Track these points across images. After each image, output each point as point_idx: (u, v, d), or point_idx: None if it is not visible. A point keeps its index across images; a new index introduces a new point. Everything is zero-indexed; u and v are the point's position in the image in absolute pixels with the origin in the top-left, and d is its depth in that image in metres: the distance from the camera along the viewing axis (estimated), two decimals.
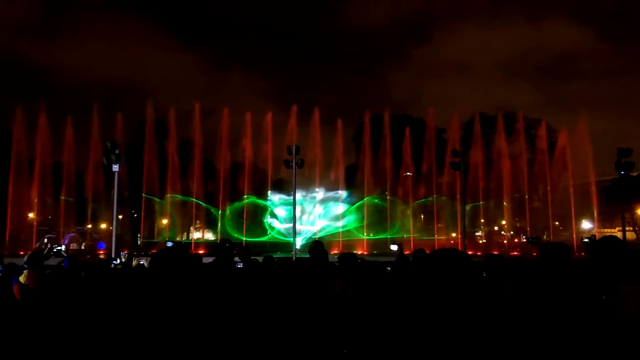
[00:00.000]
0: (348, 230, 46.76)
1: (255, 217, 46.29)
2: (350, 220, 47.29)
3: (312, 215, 46.85)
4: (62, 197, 42.71)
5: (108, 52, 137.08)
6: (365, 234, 46.52)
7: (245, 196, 45.68)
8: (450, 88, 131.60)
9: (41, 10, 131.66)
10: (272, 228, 46.50)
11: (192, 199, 45.35)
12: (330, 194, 47.35)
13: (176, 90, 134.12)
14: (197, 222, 50.60)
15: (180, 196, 44.71)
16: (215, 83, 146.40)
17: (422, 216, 48.07)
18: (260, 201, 46.46)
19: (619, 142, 52.04)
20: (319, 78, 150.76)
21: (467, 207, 37.29)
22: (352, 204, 47.42)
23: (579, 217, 44.22)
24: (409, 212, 45.34)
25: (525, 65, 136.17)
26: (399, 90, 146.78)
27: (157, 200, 44.11)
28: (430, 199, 46.05)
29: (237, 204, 45.84)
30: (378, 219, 46.48)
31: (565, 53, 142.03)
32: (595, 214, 42.92)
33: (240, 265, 7.45)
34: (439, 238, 45.51)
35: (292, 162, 32.98)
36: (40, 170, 42.66)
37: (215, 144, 47.90)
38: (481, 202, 45.81)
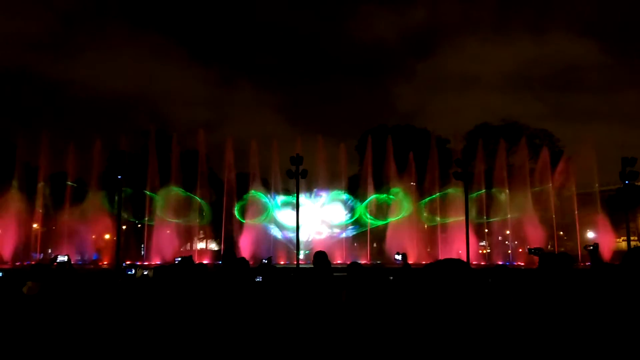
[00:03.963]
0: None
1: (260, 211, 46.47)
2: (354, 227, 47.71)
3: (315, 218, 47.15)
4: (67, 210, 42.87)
5: (117, 65, 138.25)
6: (368, 220, 46.78)
7: (251, 191, 46.10)
8: (455, 100, 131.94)
9: (55, 25, 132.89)
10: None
11: (198, 198, 45.48)
12: (334, 193, 47.63)
13: (183, 102, 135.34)
14: (201, 232, 50.66)
15: (182, 190, 44.74)
16: (222, 95, 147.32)
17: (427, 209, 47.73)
18: (263, 196, 46.54)
19: (623, 152, 51.94)
20: (325, 90, 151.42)
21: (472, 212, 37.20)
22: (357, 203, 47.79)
23: (583, 226, 44.05)
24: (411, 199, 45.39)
25: (529, 78, 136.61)
26: (404, 102, 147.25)
27: (159, 199, 44.09)
28: (435, 196, 46.05)
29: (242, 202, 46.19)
30: (381, 209, 46.78)
31: (569, 65, 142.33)
32: (599, 223, 42.69)
33: (259, 279, 7.55)
34: (442, 222, 45.40)
35: (295, 172, 33.21)
36: (44, 180, 42.94)
37: (221, 155, 48.51)
38: (485, 218, 45.78)
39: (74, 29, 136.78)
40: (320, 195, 47.44)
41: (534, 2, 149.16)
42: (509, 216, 44.43)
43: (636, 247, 4.10)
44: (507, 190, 44.78)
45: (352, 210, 47.88)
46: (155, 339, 4.44)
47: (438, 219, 45.81)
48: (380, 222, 46.67)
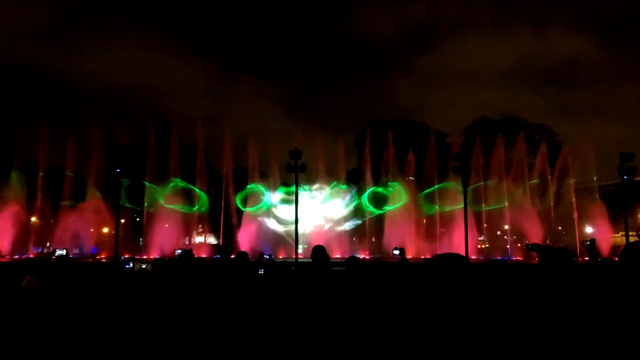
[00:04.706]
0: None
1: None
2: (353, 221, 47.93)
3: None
4: (66, 203, 42.88)
5: (118, 58, 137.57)
6: (367, 209, 47.15)
7: (249, 185, 46.33)
8: (454, 95, 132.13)
9: (56, 19, 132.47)
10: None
11: (194, 187, 45.57)
12: (333, 185, 47.86)
13: (183, 96, 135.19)
14: (200, 226, 50.69)
15: (181, 182, 44.84)
16: (223, 89, 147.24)
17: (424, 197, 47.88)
18: (263, 188, 46.73)
19: (622, 147, 51.99)
20: (325, 84, 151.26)
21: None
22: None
23: (582, 221, 44.15)
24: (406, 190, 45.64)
25: (529, 73, 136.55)
26: (404, 96, 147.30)
27: (158, 189, 44.08)
28: (433, 188, 46.15)
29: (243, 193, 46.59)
30: (379, 200, 47.07)
31: (569, 61, 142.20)
32: (597, 218, 42.76)
33: (261, 272, 7.62)
34: (441, 211, 45.53)
35: (294, 166, 33.23)
36: (42, 174, 42.97)
37: (220, 149, 48.71)
38: (483, 206, 45.76)
39: (75, 22, 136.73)
40: (319, 193, 47.69)
41: None
42: (506, 204, 44.43)
43: (634, 242, 4.10)
44: (504, 182, 44.87)
45: (351, 199, 48.09)
46: (153, 332, 4.45)
47: (437, 207, 45.92)
48: (379, 212, 46.79)
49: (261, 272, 8.01)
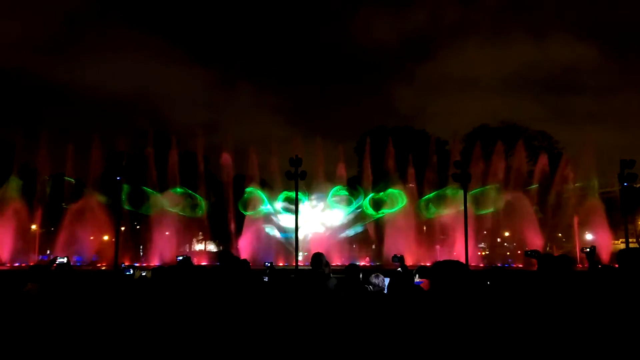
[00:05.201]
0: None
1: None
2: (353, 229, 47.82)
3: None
4: (66, 208, 42.82)
5: (118, 66, 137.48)
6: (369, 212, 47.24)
7: (248, 189, 46.23)
8: (454, 102, 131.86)
9: (56, 27, 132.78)
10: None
11: (195, 194, 45.46)
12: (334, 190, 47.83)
13: (183, 104, 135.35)
14: (200, 233, 50.62)
15: (180, 189, 44.73)
16: (223, 97, 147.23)
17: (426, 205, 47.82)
18: (261, 193, 46.59)
19: (623, 154, 52.05)
20: (325, 92, 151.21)
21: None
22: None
23: (582, 228, 44.07)
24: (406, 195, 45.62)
25: (529, 80, 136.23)
26: (404, 104, 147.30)
27: (157, 194, 43.89)
28: (431, 194, 46.10)
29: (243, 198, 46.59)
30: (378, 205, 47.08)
31: (569, 68, 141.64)
32: (597, 225, 42.67)
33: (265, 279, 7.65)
34: (442, 219, 45.46)
35: (294, 173, 33.26)
36: (42, 181, 42.95)
37: (220, 156, 48.63)
38: (483, 213, 45.68)
39: (75, 30, 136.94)
40: (320, 201, 47.64)
41: (534, 4, 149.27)
42: (504, 210, 44.32)
43: (628, 248, 4.11)
44: (504, 189, 44.84)
45: (351, 204, 47.99)
46: (153, 339, 4.46)
47: (434, 209, 45.88)
48: (377, 215, 46.73)
49: (266, 279, 8.06)
